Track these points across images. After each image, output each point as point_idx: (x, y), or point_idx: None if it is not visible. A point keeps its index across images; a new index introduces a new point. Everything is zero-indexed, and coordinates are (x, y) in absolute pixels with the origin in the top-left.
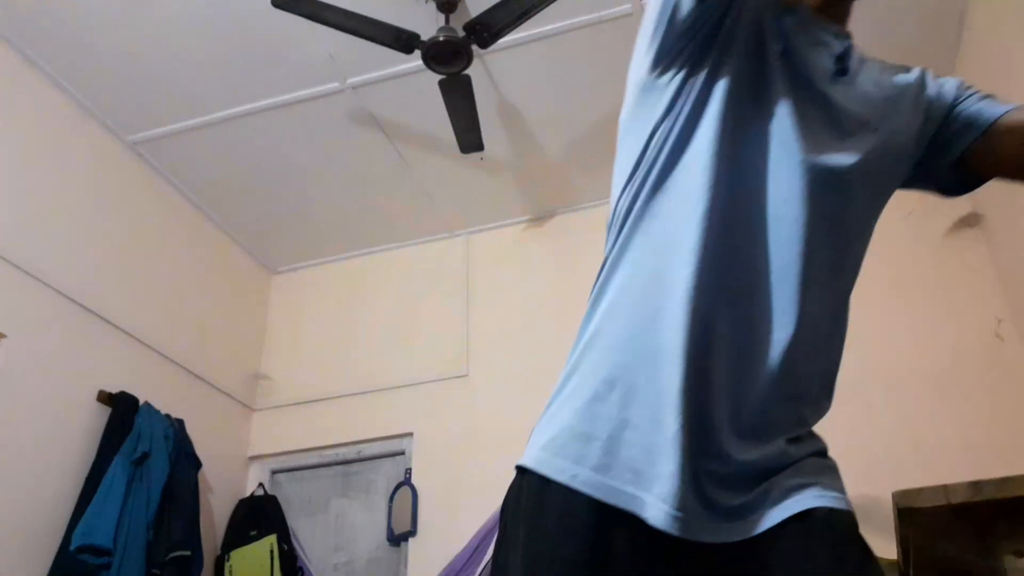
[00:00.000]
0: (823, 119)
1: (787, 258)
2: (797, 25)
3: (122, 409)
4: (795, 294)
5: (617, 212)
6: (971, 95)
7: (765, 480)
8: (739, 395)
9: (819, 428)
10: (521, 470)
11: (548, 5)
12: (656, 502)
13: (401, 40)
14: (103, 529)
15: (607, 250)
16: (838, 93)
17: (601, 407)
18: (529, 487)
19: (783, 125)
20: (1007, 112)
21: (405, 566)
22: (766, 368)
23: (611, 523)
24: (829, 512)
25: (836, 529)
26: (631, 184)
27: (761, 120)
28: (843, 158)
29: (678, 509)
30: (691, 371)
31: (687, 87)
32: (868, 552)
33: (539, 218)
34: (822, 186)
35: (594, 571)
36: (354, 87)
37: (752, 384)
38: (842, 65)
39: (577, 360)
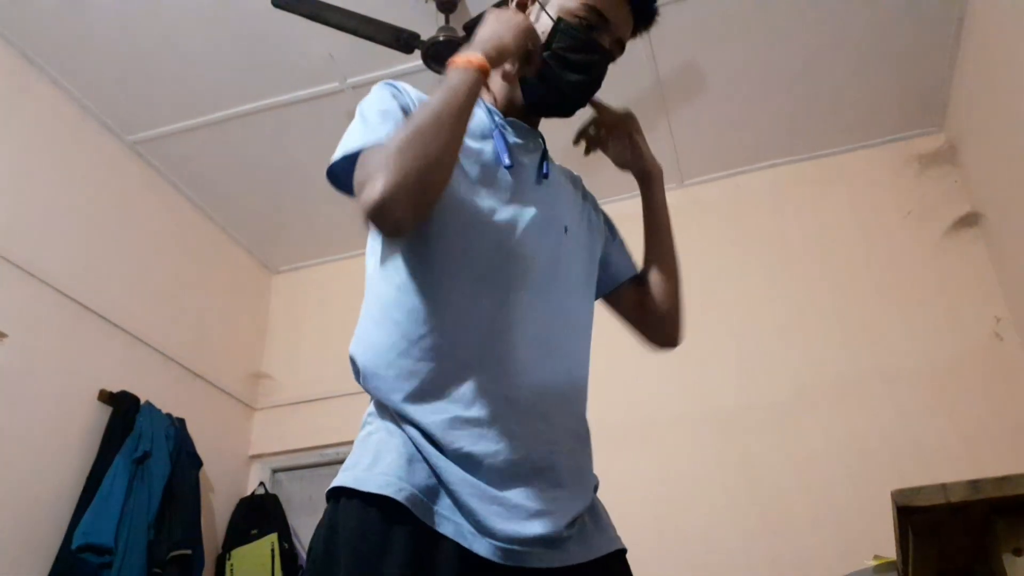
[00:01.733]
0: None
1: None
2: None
3: (123, 408)
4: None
5: None
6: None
7: (572, 508)
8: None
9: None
10: (338, 494)
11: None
12: (477, 533)
13: (401, 40)
14: (104, 528)
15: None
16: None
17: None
18: (349, 508)
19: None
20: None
21: None
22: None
23: (433, 543)
24: (623, 554)
25: (628, 571)
26: None
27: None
28: None
29: (499, 540)
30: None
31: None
32: None
33: None
34: None
35: None
36: (354, 87)
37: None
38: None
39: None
